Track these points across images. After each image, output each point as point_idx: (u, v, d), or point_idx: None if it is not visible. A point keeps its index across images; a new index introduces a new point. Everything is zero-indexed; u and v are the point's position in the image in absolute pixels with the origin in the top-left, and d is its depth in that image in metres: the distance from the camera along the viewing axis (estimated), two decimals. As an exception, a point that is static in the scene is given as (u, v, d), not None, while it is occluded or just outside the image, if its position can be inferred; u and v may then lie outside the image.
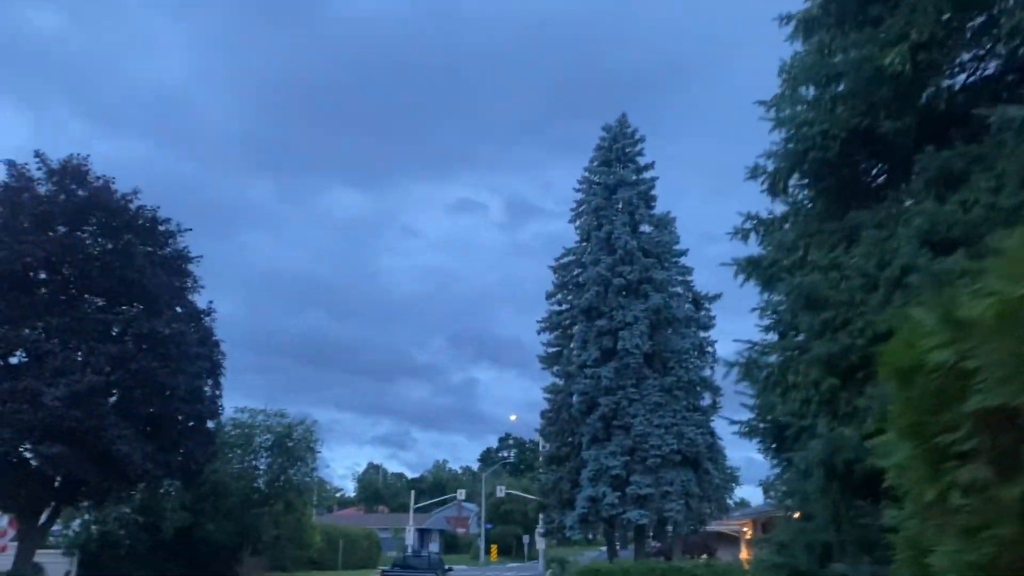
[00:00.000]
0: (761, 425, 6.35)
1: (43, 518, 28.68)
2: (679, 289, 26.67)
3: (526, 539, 69.39)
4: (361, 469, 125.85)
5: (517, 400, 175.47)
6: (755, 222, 6.96)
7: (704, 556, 30.81)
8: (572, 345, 26.95)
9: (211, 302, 31.52)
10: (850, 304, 5.37)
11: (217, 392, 31.39)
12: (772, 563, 6.27)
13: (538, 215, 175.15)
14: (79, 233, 27.72)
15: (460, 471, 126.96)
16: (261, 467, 40.98)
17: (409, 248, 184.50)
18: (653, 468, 23.16)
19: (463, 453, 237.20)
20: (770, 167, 6.71)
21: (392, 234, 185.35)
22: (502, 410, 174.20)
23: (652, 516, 22.63)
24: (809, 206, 6.68)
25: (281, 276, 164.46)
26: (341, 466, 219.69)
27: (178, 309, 30.18)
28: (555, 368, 32.90)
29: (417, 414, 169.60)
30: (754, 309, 6.80)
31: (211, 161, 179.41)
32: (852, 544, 5.29)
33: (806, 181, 6.50)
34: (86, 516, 36.41)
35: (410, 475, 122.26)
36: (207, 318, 31.13)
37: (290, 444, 41.32)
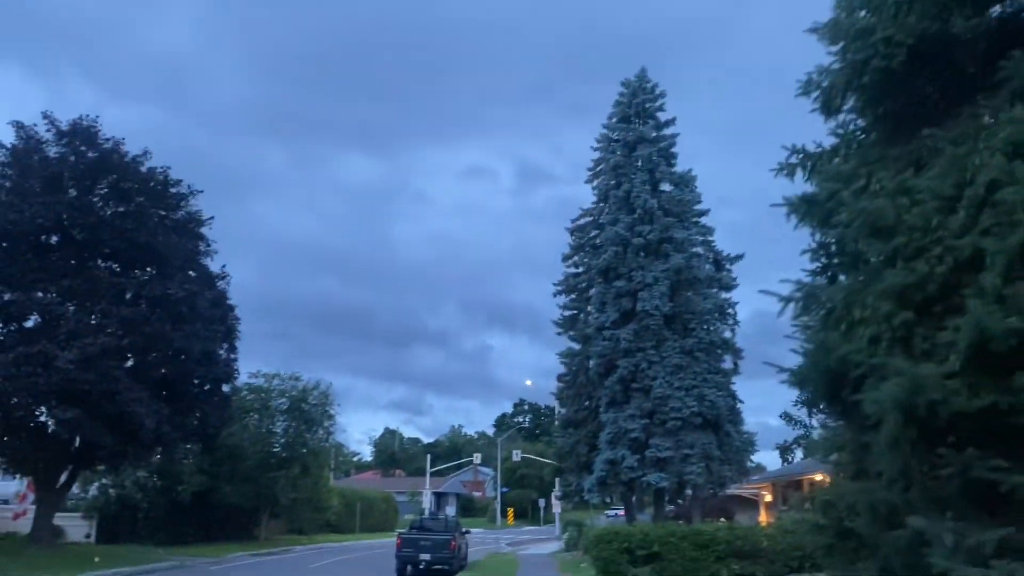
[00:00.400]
0: (814, 372, 5.79)
1: (60, 481, 28.80)
2: (699, 249, 26.02)
3: (542, 503, 69.62)
4: (377, 434, 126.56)
5: (531, 366, 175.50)
6: (801, 156, 6.34)
7: (723, 519, 30.45)
8: (589, 307, 26.45)
9: (224, 266, 31.22)
10: (925, 230, 4.82)
11: (232, 356, 31.26)
12: (817, 525, 5.73)
13: (549, 180, 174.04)
14: (90, 196, 27.39)
15: (476, 436, 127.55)
16: (278, 431, 40.89)
17: (420, 214, 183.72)
18: (673, 431, 22.75)
19: (477, 418, 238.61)
20: (824, 83, 6.08)
21: (403, 200, 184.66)
22: (516, 376, 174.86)
23: (672, 479, 22.28)
24: (862, 136, 6.07)
25: (293, 243, 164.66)
26: (357, 431, 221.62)
27: (191, 273, 29.94)
28: (571, 332, 32.47)
29: (431, 380, 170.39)
30: (804, 251, 6.19)
31: (222, 128, 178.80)
32: (925, 501, 4.80)
33: (863, 103, 5.87)
34: (103, 480, 36.59)
35: (426, 440, 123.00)
36: (221, 282, 30.85)
37: (306, 407, 41.21)
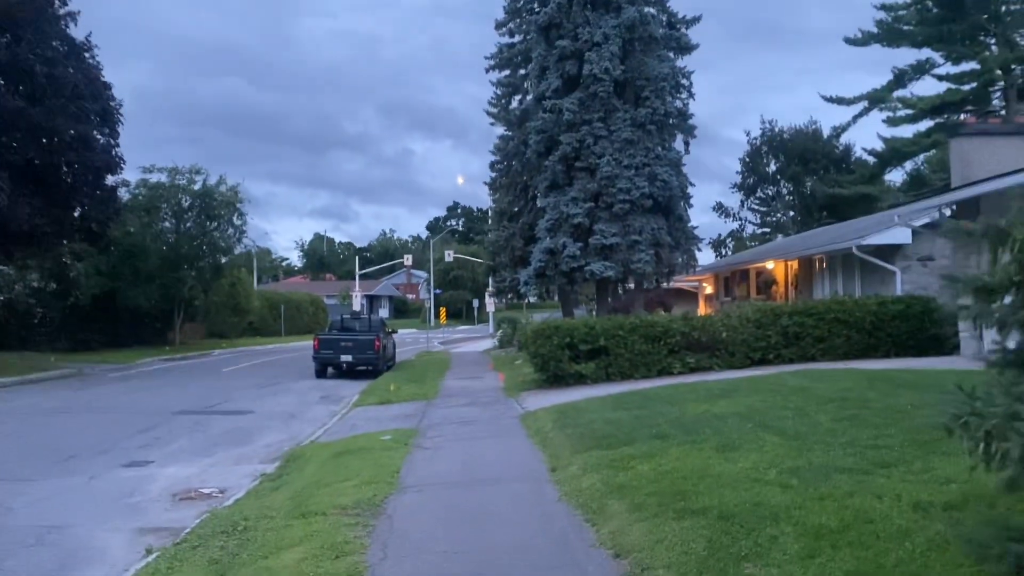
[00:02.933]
0: None
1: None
2: (652, 10, 22.21)
3: (475, 303, 68.92)
4: (307, 241, 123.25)
5: (454, 172, 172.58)
6: None
7: (661, 312, 28.90)
8: (526, 72, 22.65)
9: (90, 34, 25.96)
10: None
11: (113, 142, 26.90)
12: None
13: None
14: None
15: (409, 240, 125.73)
16: (181, 229, 37.28)
17: (325, 8, 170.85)
18: (620, 215, 20.11)
19: (408, 224, 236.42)
20: None
21: None
22: (441, 182, 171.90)
23: (618, 269, 19.95)
24: None
25: (193, 41, 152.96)
26: (285, 238, 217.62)
27: (55, 44, 24.84)
28: (506, 112, 28.93)
29: (354, 186, 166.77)
30: None
31: None
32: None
33: None
34: (-13, 285, 32.95)
35: (358, 246, 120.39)
36: (88, 54, 25.78)
37: (214, 203, 37.45)
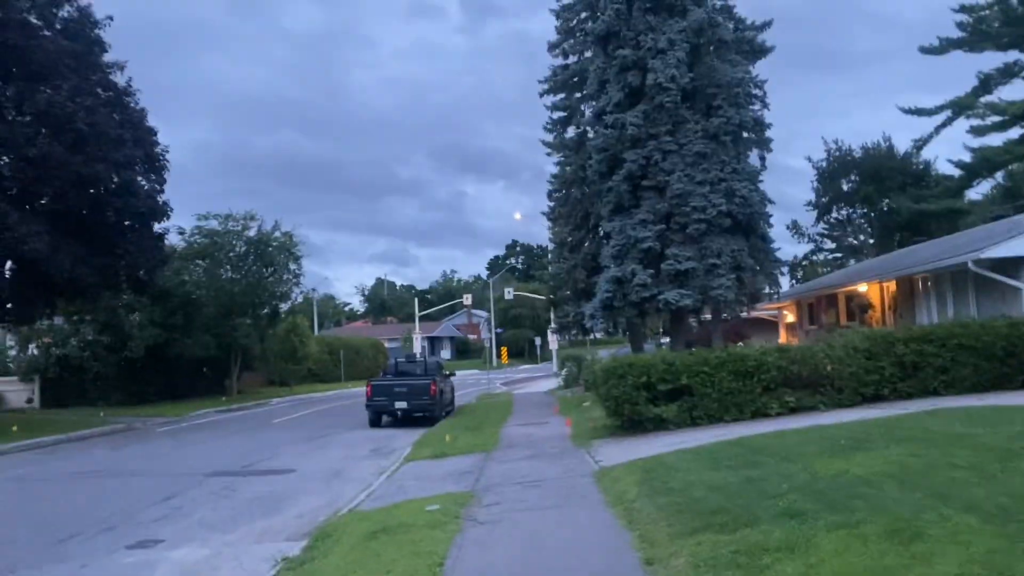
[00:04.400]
0: None
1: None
2: (718, 17, 20.29)
3: (538, 341, 66.99)
4: (368, 286, 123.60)
5: (507, 212, 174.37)
6: None
7: (740, 344, 26.48)
8: (583, 94, 20.79)
9: (131, 79, 25.30)
10: None
11: (158, 188, 26.09)
12: None
13: (498, 14, 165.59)
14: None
15: (470, 280, 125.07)
16: (237, 275, 36.57)
17: (373, 60, 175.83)
18: (695, 237, 17.97)
19: (466, 265, 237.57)
20: None
21: (352, 46, 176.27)
22: (495, 222, 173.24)
23: (695, 296, 17.80)
24: None
25: (248, 97, 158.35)
26: (347, 284, 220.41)
27: (100, 92, 24.28)
28: (563, 135, 27.26)
29: (411, 230, 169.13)
30: None
31: None
32: None
33: None
34: (43, 339, 32.52)
35: (420, 287, 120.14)
36: (131, 99, 25.12)
37: (270, 249, 36.77)
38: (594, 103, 19.97)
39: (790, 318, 32.19)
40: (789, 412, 13.61)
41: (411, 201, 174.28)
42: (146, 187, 25.23)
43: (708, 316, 23.10)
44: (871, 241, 54.39)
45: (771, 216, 19.95)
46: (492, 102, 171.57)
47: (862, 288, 23.51)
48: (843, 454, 7.83)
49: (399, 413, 21.50)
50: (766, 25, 21.49)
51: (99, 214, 23.39)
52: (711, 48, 18.93)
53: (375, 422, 21.70)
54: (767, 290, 20.27)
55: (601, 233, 24.16)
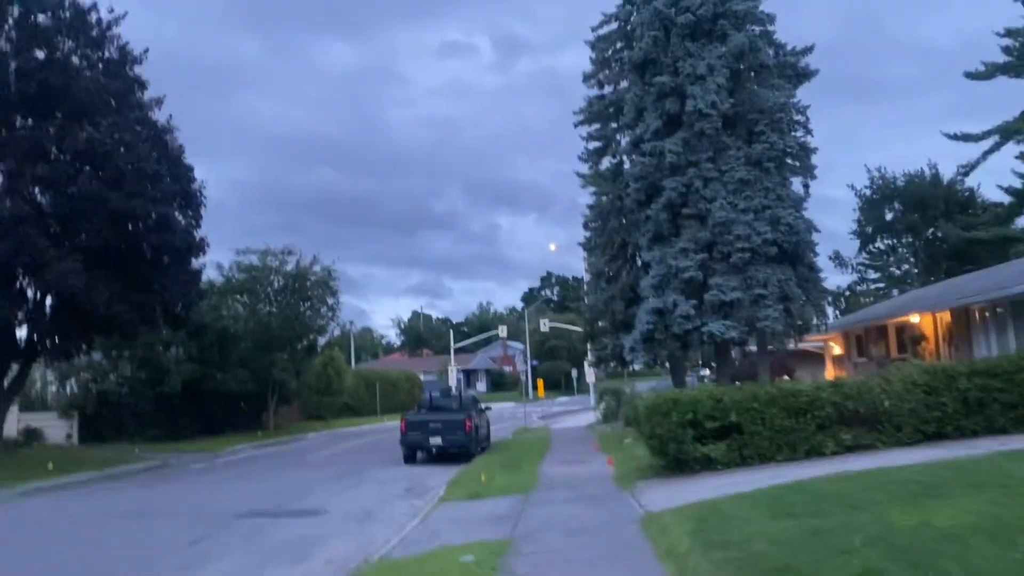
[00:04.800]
0: None
1: (8, 380, 24.55)
2: (759, 41, 19.77)
3: (574, 373, 66.06)
4: (404, 318, 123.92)
5: (540, 245, 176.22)
6: None
7: (785, 378, 25.56)
8: (618, 125, 20.32)
9: (170, 116, 25.48)
10: None
11: (194, 224, 26.13)
12: None
13: (529, 51, 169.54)
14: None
15: (505, 311, 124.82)
16: (274, 309, 36.57)
17: (407, 98, 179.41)
18: (739, 266, 17.30)
19: (501, 297, 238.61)
20: None
21: (387, 85, 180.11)
22: (528, 255, 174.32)
23: (741, 328, 17.08)
24: None
25: (285, 135, 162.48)
26: (383, 317, 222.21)
27: (139, 128, 24.49)
28: (599, 165, 26.85)
29: (445, 263, 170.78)
30: None
31: (192, 20, 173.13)
32: None
33: None
34: (82, 374, 32.67)
35: (455, 320, 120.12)
36: (169, 136, 25.29)
37: (308, 284, 36.79)
38: (631, 132, 19.51)
39: (837, 350, 31.12)
40: (845, 451, 12.83)
41: (445, 234, 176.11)
42: (183, 223, 25.27)
43: (753, 348, 22.27)
44: (915, 271, 53.06)
45: (817, 244, 19.21)
46: (524, 136, 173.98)
47: (914, 319, 22.54)
48: (916, 502, 7.13)
49: (434, 449, 21.00)
50: (807, 51, 20.93)
51: (136, 250, 23.41)
52: (752, 73, 18.43)
53: (410, 458, 21.23)
54: (815, 321, 19.45)
55: (639, 263, 23.61)
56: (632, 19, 22.88)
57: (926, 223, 52.22)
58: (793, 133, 19.90)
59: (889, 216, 54.10)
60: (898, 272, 55.24)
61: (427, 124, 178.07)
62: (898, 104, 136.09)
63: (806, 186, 20.61)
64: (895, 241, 55.44)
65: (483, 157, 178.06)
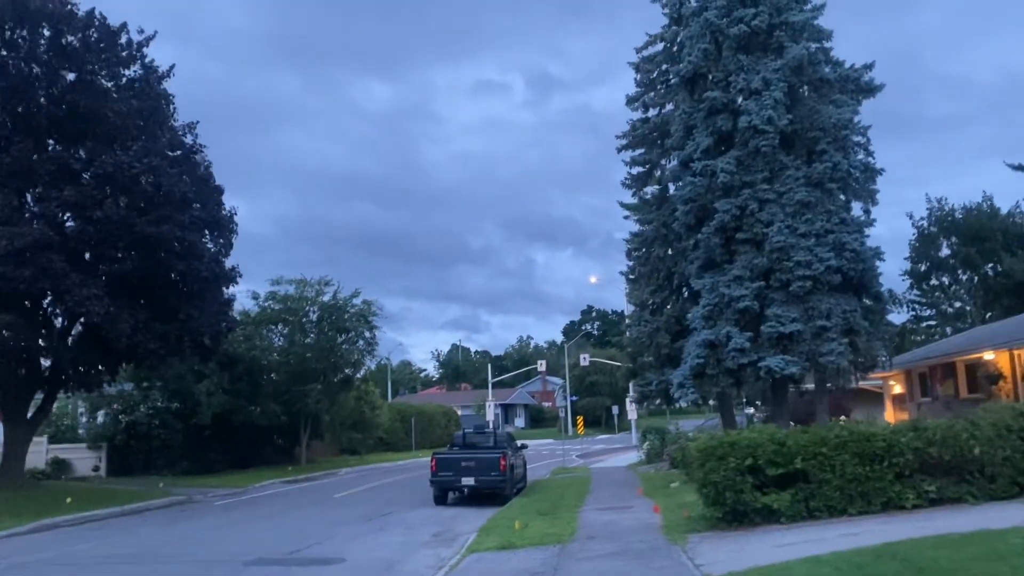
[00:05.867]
0: None
1: (32, 410, 23.93)
2: (819, 54, 18.40)
3: (615, 410, 64.18)
4: (443, 351, 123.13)
5: (577, 280, 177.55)
6: None
7: (843, 419, 23.77)
8: (668, 140, 19.02)
9: (197, 136, 24.88)
10: None
11: (224, 251, 25.46)
12: None
13: (560, 88, 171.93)
14: (16, 53, 21.39)
15: (545, 346, 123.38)
16: (309, 341, 35.80)
17: (443, 135, 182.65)
18: (800, 295, 15.80)
19: (536, 333, 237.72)
20: None
21: (423, 122, 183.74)
22: (564, 289, 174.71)
23: (802, 363, 15.55)
24: None
25: (324, 171, 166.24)
26: (422, 351, 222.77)
27: (169, 152, 24.03)
28: (643, 191, 25.64)
29: (482, 298, 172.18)
30: None
31: (232, 59, 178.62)
32: None
33: None
34: (114, 405, 32.10)
35: (494, 353, 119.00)
36: (197, 156, 24.74)
37: (345, 316, 36.01)
38: (679, 151, 18.23)
39: (897, 389, 29.13)
40: (929, 504, 11.26)
41: (482, 269, 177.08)
42: (212, 249, 24.60)
43: (807, 386, 20.63)
44: (968, 308, 50.67)
45: (881, 275, 17.61)
46: (559, 173, 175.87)
47: (989, 356, 20.71)
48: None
49: (466, 490, 19.70)
50: (868, 67, 19.50)
51: (163, 278, 22.76)
52: (810, 89, 17.09)
53: (440, 499, 19.95)
54: (883, 357, 17.75)
55: (686, 294, 22.22)
56: (679, 38, 21.80)
57: (984, 257, 49.97)
58: (856, 148, 18.40)
59: (946, 250, 51.88)
60: (951, 310, 52.86)
61: (463, 160, 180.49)
62: (940, 139, 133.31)
63: (867, 211, 19.08)
64: (950, 277, 53.12)
65: (518, 193, 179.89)
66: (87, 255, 21.33)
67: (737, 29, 16.57)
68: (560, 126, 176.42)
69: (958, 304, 52.63)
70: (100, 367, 23.30)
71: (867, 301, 16.75)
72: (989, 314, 47.71)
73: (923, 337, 51.04)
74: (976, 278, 51.22)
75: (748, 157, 16.50)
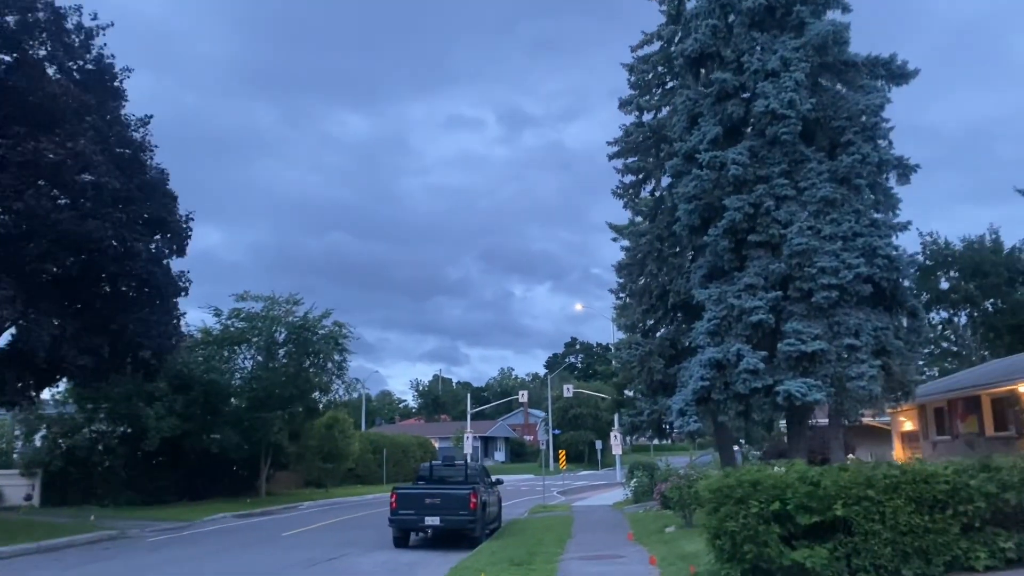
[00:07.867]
0: None
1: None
2: (844, 32, 16.22)
3: (599, 445, 61.50)
4: (423, 382, 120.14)
5: (554, 313, 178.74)
6: None
7: (851, 457, 21.29)
8: (673, 128, 16.63)
9: (148, 133, 22.54)
10: None
11: (170, 255, 22.89)
12: None
13: (532, 124, 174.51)
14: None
15: (527, 378, 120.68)
16: (276, 365, 33.06)
17: (419, 168, 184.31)
18: (824, 308, 13.43)
19: (516, 365, 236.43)
20: None
21: (399, 154, 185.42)
22: (543, 323, 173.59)
23: (827, 388, 13.14)
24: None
25: (300, 201, 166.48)
26: (400, 382, 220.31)
27: (119, 150, 21.63)
28: (636, 200, 23.40)
29: (460, 329, 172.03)
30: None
31: (208, 89, 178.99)
32: None
33: None
34: (52, 428, 29.19)
35: (475, 385, 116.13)
36: (145, 155, 22.32)
37: (314, 338, 33.30)
38: (682, 143, 15.88)
39: (908, 425, 26.72)
40: (1005, 565, 8.85)
41: (460, 301, 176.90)
42: (154, 250, 22.03)
43: (823, 421, 18.22)
44: (971, 344, 48.81)
45: (914, 290, 15.28)
46: (535, 208, 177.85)
47: (1022, 388, 18.42)
48: None
49: (430, 531, 17.09)
50: (893, 59, 17.36)
51: (92, 281, 20.15)
52: (833, 73, 14.91)
53: (400, 541, 17.32)
54: (924, 380, 15.37)
55: (680, 316, 19.85)
56: (682, 18, 19.58)
57: (985, 293, 48.25)
58: (885, 140, 16.11)
59: (945, 285, 50.11)
60: (953, 348, 51.04)
61: (439, 193, 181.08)
62: (914, 185, 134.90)
63: (893, 208, 16.70)
64: (951, 312, 51.35)
65: (495, 226, 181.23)
66: (6, 252, 18.67)
67: (751, 2, 14.41)
68: (533, 162, 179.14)
69: (955, 339, 50.96)
70: (20, 383, 20.48)
71: (901, 317, 14.42)
72: (987, 353, 45.90)
73: (923, 376, 49.07)
74: (976, 314, 49.55)
75: (764, 147, 14.23)
